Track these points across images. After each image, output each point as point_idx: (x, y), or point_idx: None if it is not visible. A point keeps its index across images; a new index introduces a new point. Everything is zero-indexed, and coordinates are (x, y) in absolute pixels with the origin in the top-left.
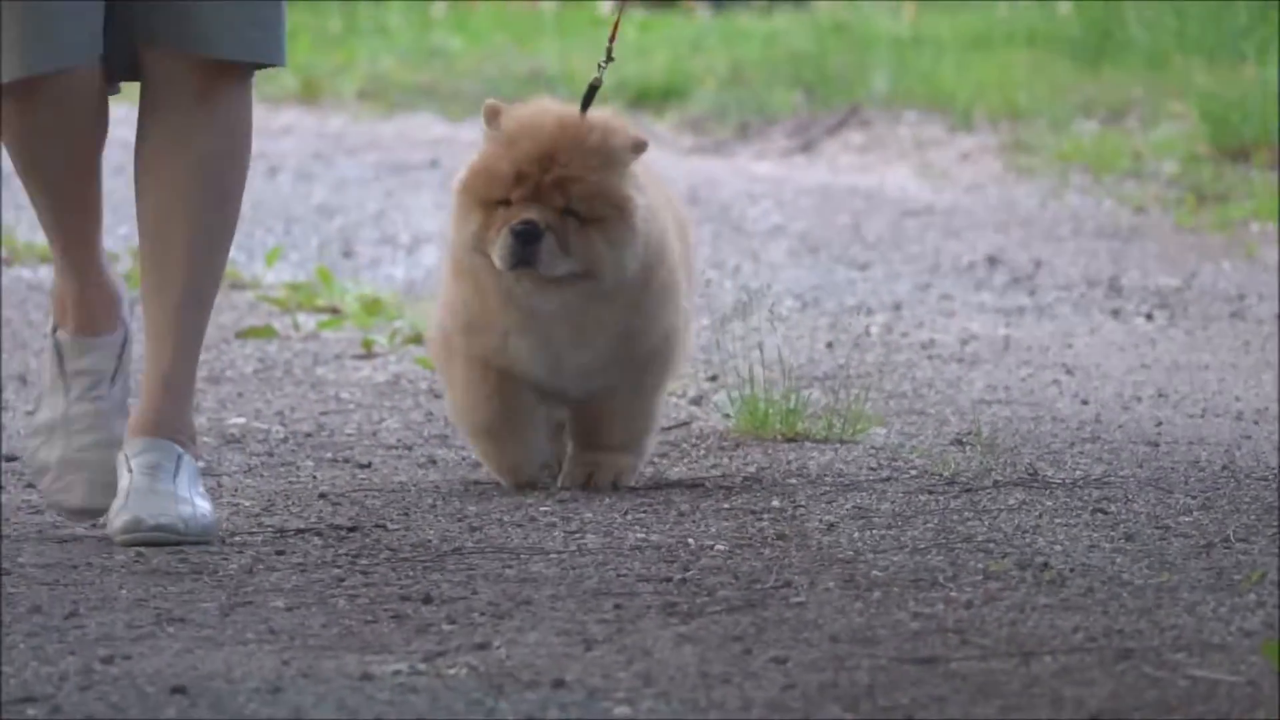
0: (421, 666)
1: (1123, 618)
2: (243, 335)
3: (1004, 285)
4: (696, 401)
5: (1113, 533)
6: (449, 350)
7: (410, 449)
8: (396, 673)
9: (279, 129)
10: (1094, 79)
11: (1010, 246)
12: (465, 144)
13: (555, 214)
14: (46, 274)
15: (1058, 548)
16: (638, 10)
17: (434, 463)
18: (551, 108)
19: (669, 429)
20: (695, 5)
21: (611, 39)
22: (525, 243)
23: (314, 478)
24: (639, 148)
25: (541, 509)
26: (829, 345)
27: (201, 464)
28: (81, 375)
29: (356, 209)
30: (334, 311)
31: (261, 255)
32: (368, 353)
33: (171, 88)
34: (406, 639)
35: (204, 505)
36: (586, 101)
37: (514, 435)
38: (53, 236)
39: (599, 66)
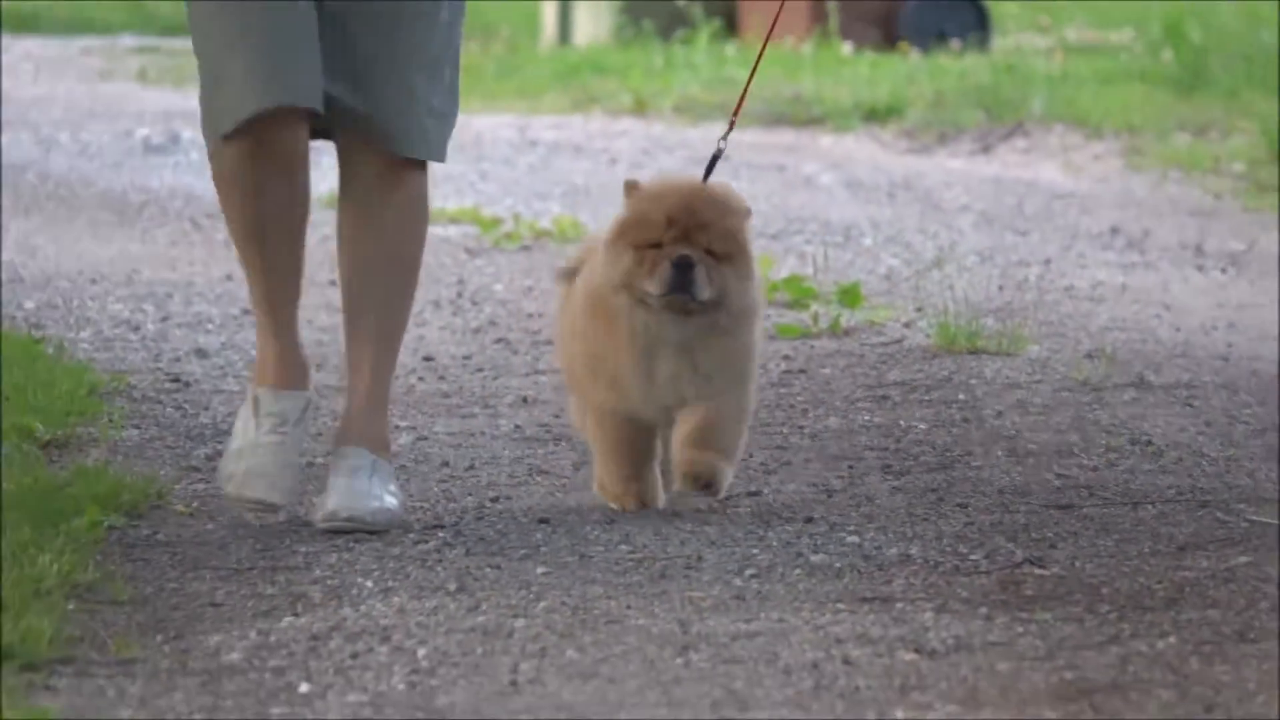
0: (715, 504)
1: (1203, 479)
2: None
3: (1122, 248)
4: (908, 325)
5: (1196, 419)
6: (585, 413)
7: None
8: (697, 511)
9: (616, 132)
10: (1187, 104)
11: (1127, 221)
12: (746, 145)
13: (700, 250)
14: (459, 233)
15: (1158, 430)
16: (868, 50)
17: None
18: (682, 176)
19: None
20: (909, 49)
21: (735, 112)
22: (683, 271)
23: None
24: (749, 213)
25: (797, 397)
26: (1000, 288)
27: (396, 465)
28: (270, 416)
29: None
30: None
31: (604, 218)
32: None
33: (360, 170)
34: None
35: (391, 500)
36: (709, 169)
37: (640, 476)
38: (262, 302)
39: (720, 140)
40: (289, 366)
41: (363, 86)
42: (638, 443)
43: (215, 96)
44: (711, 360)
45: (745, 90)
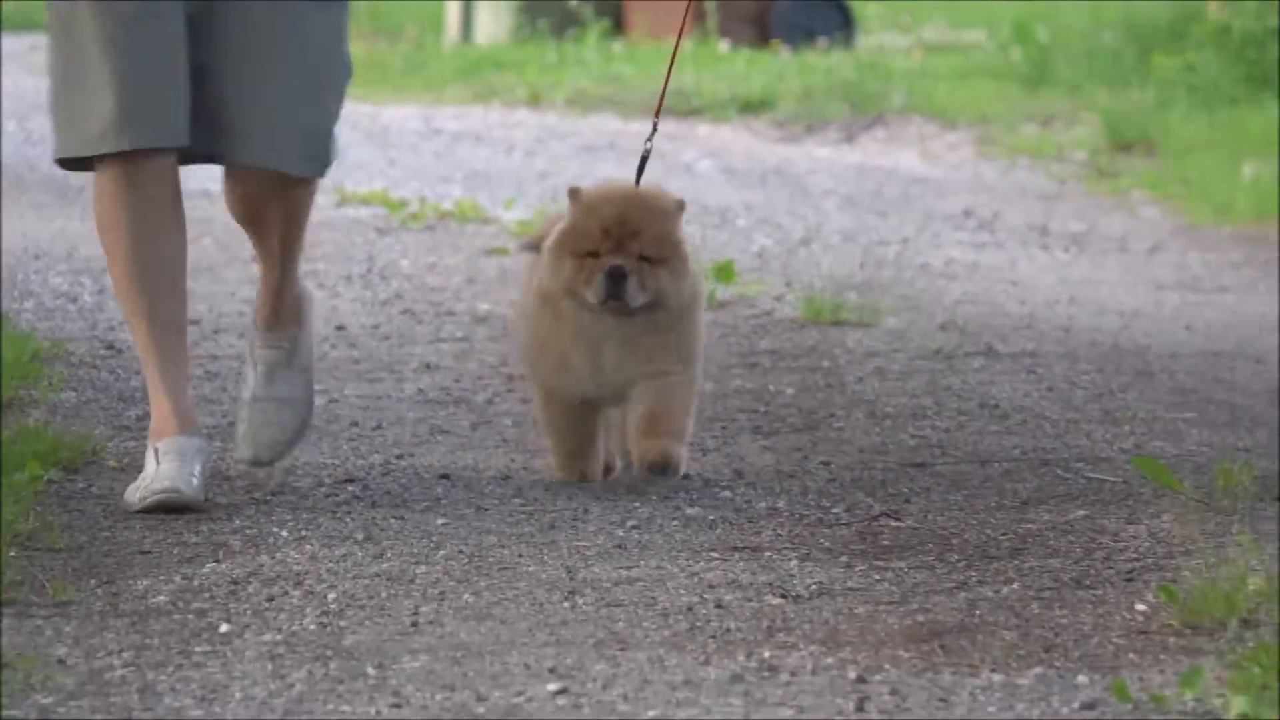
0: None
1: (1044, 440)
2: (489, 253)
3: (973, 228)
4: (777, 299)
5: (1039, 385)
6: (539, 395)
7: None
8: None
9: (513, 122)
10: (1034, 98)
11: (978, 204)
12: (632, 134)
13: (634, 259)
14: (369, 214)
15: (1004, 395)
16: (743, 48)
17: None
18: (618, 183)
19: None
20: (781, 46)
21: (657, 113)
22: (616, 281)
23: None
24: (681, 207)
25: None
26: (861, 265)
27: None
28: (169, 454)
29: (562, 174)
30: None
31: (501, 203)
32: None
33: (246, 184)
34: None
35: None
36: (640, 171)
37: (583, 453)
38: (151, 356)
39: (646, 141)
40: (183, 419)
41: (244, 108)
42: (581, 423)
43: (82, 118)
44: (655, 347)
45: (663, 94)
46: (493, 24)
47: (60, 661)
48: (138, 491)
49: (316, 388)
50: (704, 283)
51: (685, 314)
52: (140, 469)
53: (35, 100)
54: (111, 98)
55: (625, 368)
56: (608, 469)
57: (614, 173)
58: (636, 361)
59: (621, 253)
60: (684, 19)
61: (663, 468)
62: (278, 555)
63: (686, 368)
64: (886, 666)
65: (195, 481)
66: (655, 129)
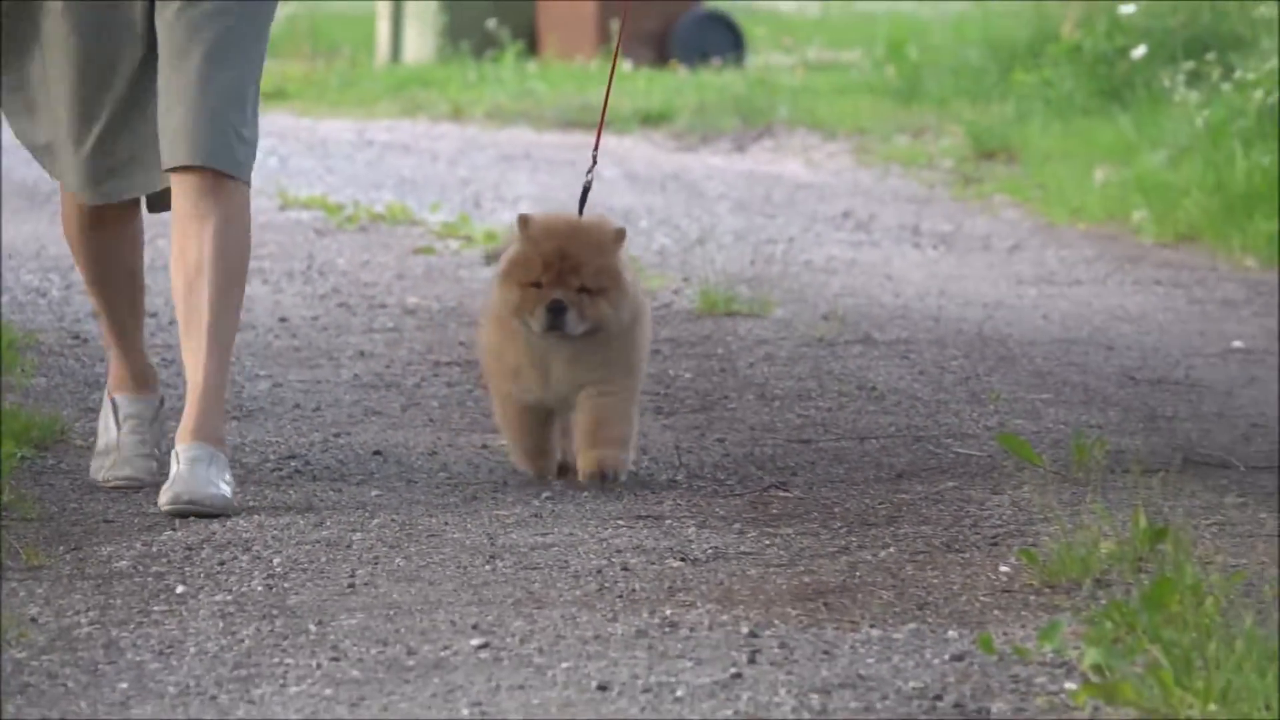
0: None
1: (917, 418)
2: (417, 252)
3: (852, 228)
4: (676, 292)
5: (912, 369)
6: (496, 400)
7: None
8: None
9: (438, 134)
10: (906, 111)
11: (856, 206)
12: (544, 144)
13: (574, 291)
14: (309, 217)
15: (880, 378)
16: (644, 66)
17: None
18: (562, 215)
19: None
20: (678, 65)
21: (595, 146)
22: (556, 314)
23: (457, 334)
24: (621, 236)
25: None
26: (751, 261)
27: (228, 456)
28: (130, 419)
29: (482, 181)
30: (468, 239)
31: (428, 206)
32: (487, 262)
33: (186, 189)
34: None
35: (225, 489)
36: (582, 201)
37: (539, 451)
38: (110, 332)
39: (587, 172)
40: (139, 377)
41: (186, 118)
42: (535, 426)
43: (53, 155)
44: (597, 362)
45: (601, 123)
46: (419, 45)
47: (33, 620)
48: (97, 463)
49: (261, 373)
50: (644, 300)
51: (626, 332)
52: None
53: None
54: (77, 160)
55: (571, 379)
56: (565, 468)
57: (525, 179)
58: (581, 374)
59: (562, 285)
60: (615, 52)
61: (601, 477)
62: (228, 524)
63: (626, 379)
64: (776, 622)
65: (153, 462)
66: (595, 161)
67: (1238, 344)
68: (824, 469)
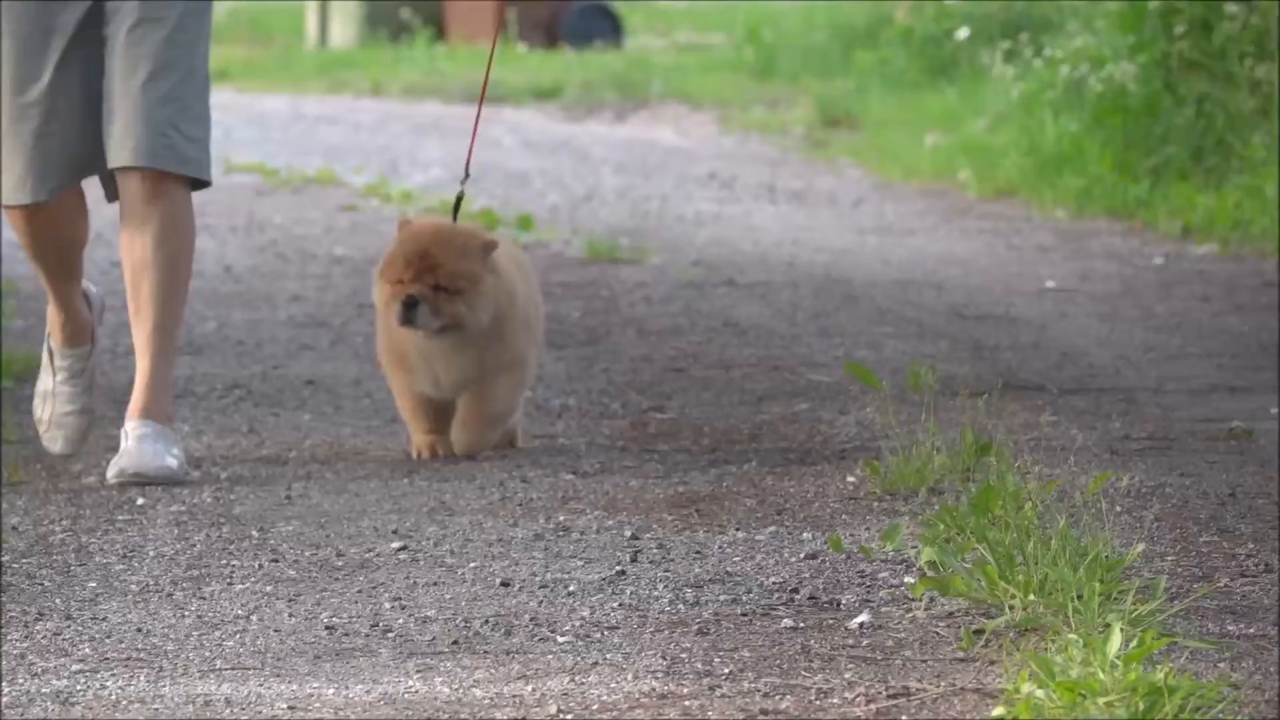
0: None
1: (775, 350)
2: (343, 209)
3: (717, 187)
4: (566, 243)
5: (770, 308)
6: (390, 380)
7: None
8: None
9: (360, 109)
10: (763, 86)
11: (720, 168)
12: (452, 116)
13: (430, 289)
14: (249, 180)
15: (743, 315)
16: (537, 48)
17: None
18: (434, 220)
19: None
20: (566, 47)
21: (468, 163)
22: (408, 309)
23: None
24: (489, 247)
25: None
26: (630, 216)
27: (176, 432)
28: (62, 370)
29: (399, 148)
30: (387, 197)
31: (352, 170)
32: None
33: (129, 189)
34: None
35: (172, 461)
36: (455, 209)
37: (435, 432)
38: (51, 292)
39: (460, 183)
40: (73, 328)
41: (127, 122)
42: (429, 409)
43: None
44: (471, 360)
45: (474, 132)
46: (343, 32)
47: (13, 528)
48: (38, 409)
49: (209, 314)
50: (520, 300)
51: (495, 331)
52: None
53: None
54: (20, 160)
55: (452, 375)
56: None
57: (436, 146)
58: (461, 370)
59: (419, 283)
60: (493, 42)
61: (464, 455)
62: (182, 444)
63: (510, 372)
64: (654, 526)
65: (83, 417)
66: (468, 175)
67: (1050, 284)
68: (695, 394)
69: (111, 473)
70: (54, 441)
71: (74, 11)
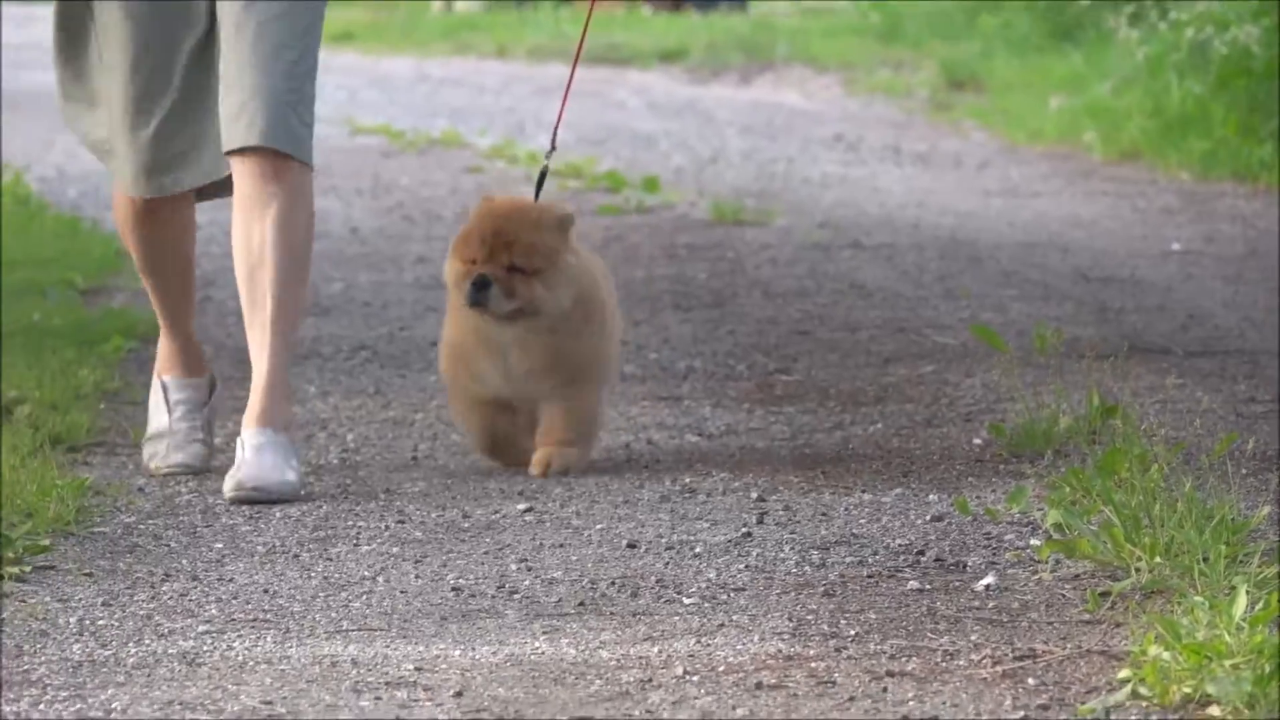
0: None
1: (900, 312)
2: (468, 171)
3: (843, 149)
4: (692, 205)
5: (894, 270)
6: (451, 389)
7: None
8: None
9: (485, 71)
10: (888, 49)
11: (846, 131)
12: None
13: (503, 268)
14: (375, 142)
15: (868, 277)
16: (662, 11)
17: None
18: (513, 197)
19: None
20: (691, 8)
21: (554, 135)
22: (479, 289)
23: None
24: (567, 221)
25: (614, 257)
26: (756, 178)
27: (294, 441)
28: (180, 404)
29: (524, 110)
30: (512, 159)
31: (477, 132)
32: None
33: (246, 171)
34: None
35: (291, 475)
36: (538, 187)
37: (497, 449)
38: (162, 315)
39: (545, 159)
40: (188, 357)
41: (247, 99)
42: (494, 424)
43: (111, 154)
44: (542, 358)
45: (561, 112)
46: None
47: (140, 489)
48: (150, 448)
49: (335, 275)
50: (601, 299)
51: (572, 325)
52: (203, 330)
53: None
54: (134, 154)
55: (525, 362)
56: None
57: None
58: (527, 369)
59: (492, 262)
60: (589, 7)
61: (545, 473)
62: (308, 406)
63: (586, 383)
64: (780, 488)
65: (204, 447)
66: (554, 148)
67: (1175, 246)
68: (821, 356)
69: (228, 486)
70: (172, 459)
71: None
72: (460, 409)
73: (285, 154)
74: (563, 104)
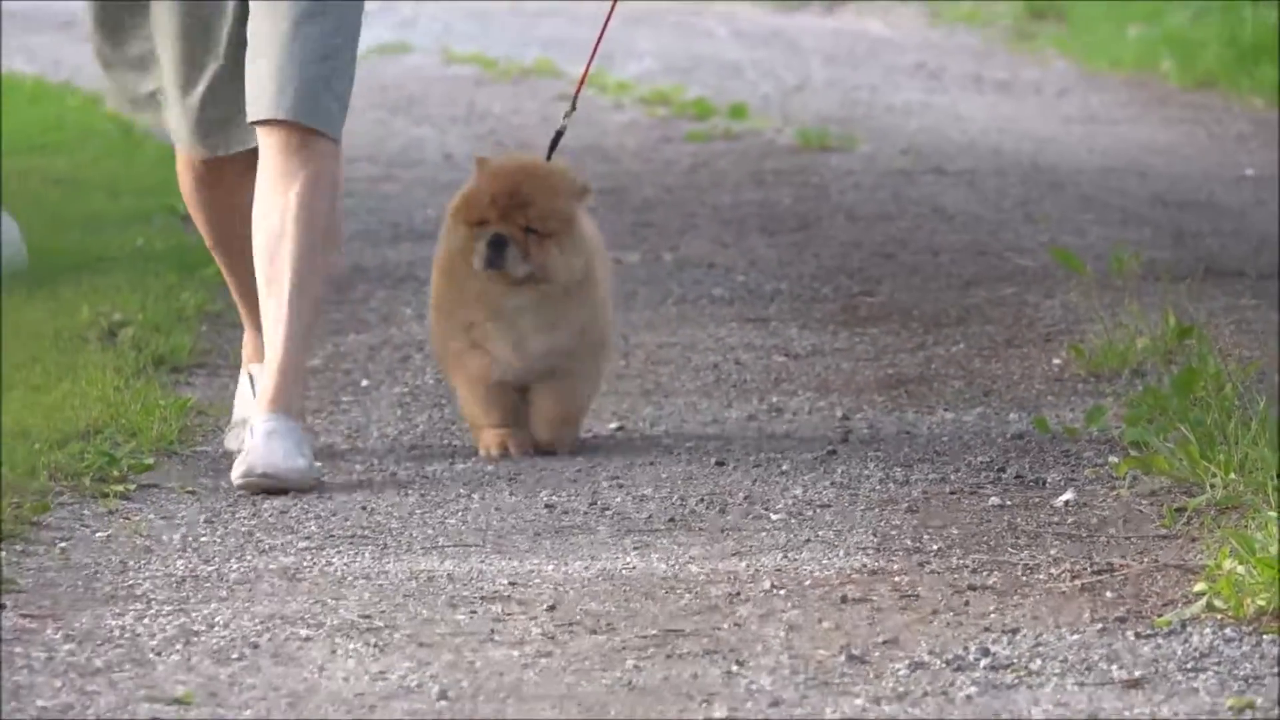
0: (639, 258)
1: (981, 235)
2: (559, 98)
3: (925, 78)
4: (778, 131)
5: (976, 195)
6: (448, 361)
7: None
8: (628, 264)
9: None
10: None
11: (928, 59)
12: (664, 9)
13: (519, 230)
14: (469, 71)
15: (950, 202)
16: None
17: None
18: (521, 156)
19: None
20: None
21: (575, 95)
22: (495, 249)
23: (595, 166)
24: (583, 189)
25: (702, 182)
26: (840, 105)
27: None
28: None
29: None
30: (603, 88)
31: (569, 60)
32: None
33: (270, 143)
34: None
35: (302, 462)
36: (552, 147)
37: (502, 420)
38: (239, 300)
39: (564, 118)
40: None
41: (273, 69)
42: (502, 395)
43: (164, 106)
44: (549, 328)
45: (586, 70)
46: None
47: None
48: (233, 443)
49: (430, 201)
50: (605, 269)
51: (578, 294)
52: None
53: None
54: (183, 113)
55: (539, 333)
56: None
57: (648, 38)
58: (549, 328)
59: (507, 222)
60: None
61: (543, 450)
62: (404, 328)
63: (588, 359)
64: (864, 407)
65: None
66: (574, 107)
67: (1249, 172)
68: (903, 279)
69: (237, 473)
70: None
71: None
72: (465, 390)
73: (310, 128)
74: (590, 57)
